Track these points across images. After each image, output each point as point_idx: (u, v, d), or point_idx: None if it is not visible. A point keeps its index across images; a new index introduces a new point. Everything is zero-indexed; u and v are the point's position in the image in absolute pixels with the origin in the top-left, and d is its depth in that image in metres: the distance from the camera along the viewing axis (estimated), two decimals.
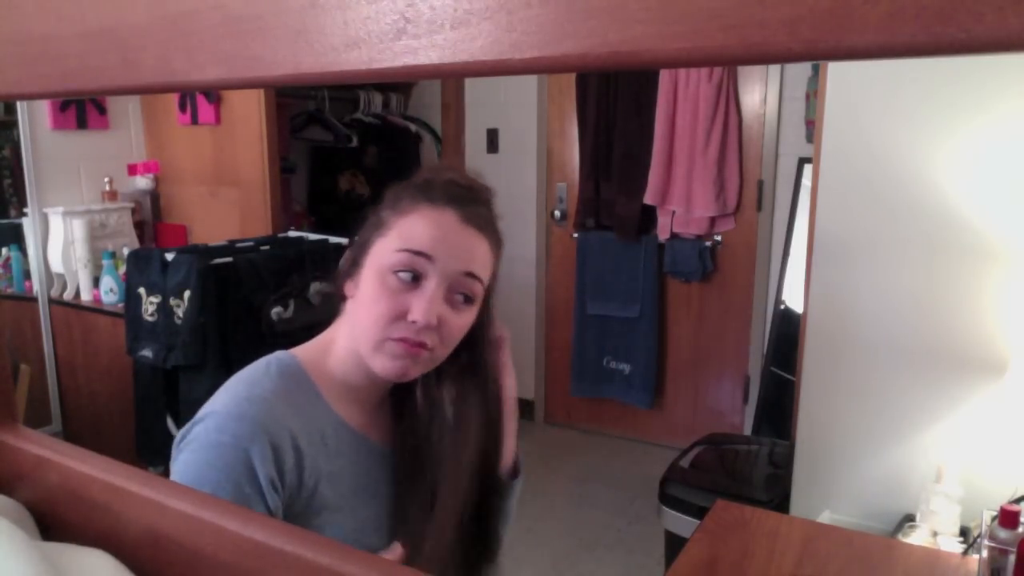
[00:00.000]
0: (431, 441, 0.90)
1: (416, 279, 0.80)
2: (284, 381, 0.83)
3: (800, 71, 2.99)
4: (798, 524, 1.44)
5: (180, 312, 2.20)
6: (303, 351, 0.89)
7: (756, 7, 0.22)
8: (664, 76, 3.16)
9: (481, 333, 0.88)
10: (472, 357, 0.89)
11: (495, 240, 0.86)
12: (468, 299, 0.83)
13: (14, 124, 2.72)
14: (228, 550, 0.48)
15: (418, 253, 0.80)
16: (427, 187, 0.84)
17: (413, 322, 0.79)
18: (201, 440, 0.77)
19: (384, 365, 0.81)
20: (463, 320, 0.83)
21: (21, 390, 2.45)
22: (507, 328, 0.93)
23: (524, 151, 3.62)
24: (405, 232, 0.81)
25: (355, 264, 0.86)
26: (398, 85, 3.69)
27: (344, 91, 3.49)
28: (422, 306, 0.79)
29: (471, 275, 0.82)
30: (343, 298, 0.88)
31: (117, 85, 0.39)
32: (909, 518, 1.55)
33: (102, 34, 0.38)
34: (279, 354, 0.88)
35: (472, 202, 0.84)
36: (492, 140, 3.67)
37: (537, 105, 3.56)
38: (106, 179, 2.93)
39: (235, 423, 0.78)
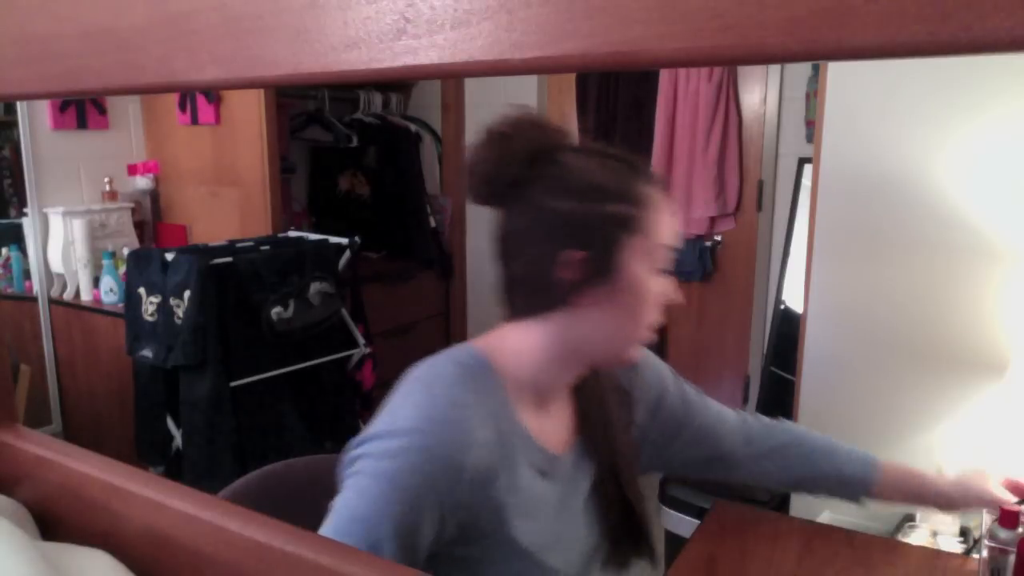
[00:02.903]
0: (610, 439, 0.87)
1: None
2: (479, 388, 0.77)
3: (800, 71, 2.99)
4: (798, 524, 1.44)
5: (180, 312, 2.20)
6: (489, 348, 0.81)
7: (755, 7, 0.22)
8: (664, 76, 3.16)
9: None
10: None
11: None
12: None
13: (14, 124, 2.72)
14: (228, 550, 0.48)
15: (675, 249, 0.81)
16: (635, 166, 0.80)
17: (668, 306, 0.80)
18: (375, 463, 0.71)
19: (634, 354, 0.82)
20: None
21: (21, 390, 2.45)
22: None
23: None
24: (665, 228, 0.80)
25: (600, 269, 0.76)
26: (398, 85, 3.69)
27: (344, 91, 3.48)
28: (679, 292, 0.81)
29: None
30: (563, 303, 0.78)
31: (117, 85, 0.39)
32: (909, 518, 1.55)
33: (102, 34, 0.38)
34: (468, 349, 0.81)
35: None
36: None
37: (537, 105, 3.56)
38: (106, 179, 2.93)
39: (434, 425, 0.72)
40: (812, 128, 2.69)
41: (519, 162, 0.77)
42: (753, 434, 1.03)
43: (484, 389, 0.77)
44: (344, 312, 2.51)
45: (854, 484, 1.03)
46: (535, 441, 0.80)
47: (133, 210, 3.00)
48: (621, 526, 0.86)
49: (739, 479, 1.06)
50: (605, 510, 0.86)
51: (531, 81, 3.52)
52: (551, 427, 0.84)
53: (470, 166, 0.79)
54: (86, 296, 2.77)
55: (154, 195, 3.06)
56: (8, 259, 2.87)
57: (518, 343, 0.81)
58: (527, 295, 0.80)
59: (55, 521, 0.57)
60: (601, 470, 0.86)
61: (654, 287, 0.79)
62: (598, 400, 0.87)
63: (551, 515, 0.81)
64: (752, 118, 3.15)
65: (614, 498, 0.85)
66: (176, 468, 2.33)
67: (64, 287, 2.81)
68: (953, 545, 1.42)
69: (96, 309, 2.71)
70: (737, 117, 3.13)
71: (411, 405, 0.74)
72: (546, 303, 0.79)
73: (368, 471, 0.71)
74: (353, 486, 0.71)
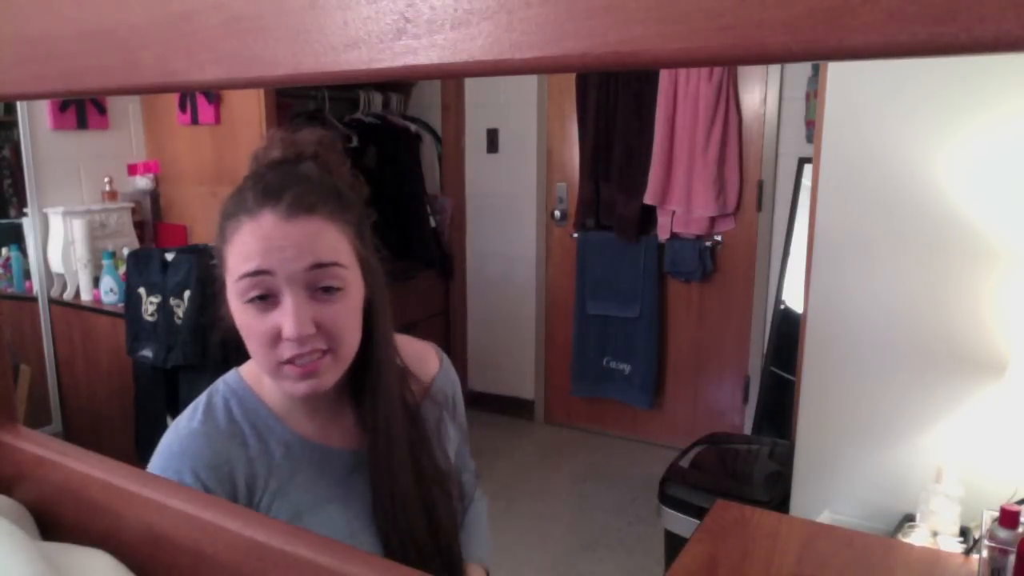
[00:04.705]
0: (387, 441, 0.86)
1: (268, 297, 0.75)
2: (227, 411, 0.83)
3: (800, 71, 2.99)
4: (798, 524, 1.44)
5: (180, 312, 2.20)
6: (249, 369, 0.88)
7: (755, 7, 0.22)
8: (664, 76, 3.16)
9: (371, 323, 0.83)
10: (364, 355, 0.84)
11: (338, 212, 0.78)
12: (335, 288, 0.77)
13: (14, 124, 2.72)
14: (228, 550, 0.48)
15: (254, 274, 0.74)
16: (240, 197, 0.78)
17: (289, 339, 0.75)
18: None
19: (292, 389, 0.78)
20: (343, 309, 0.78)
21: (21, 390, 2.45)
22: None
23: (524, 151, 3.62)
24: (235, 257, 0.76)
25: (224, 304, 0.82)
26: (398, 85, 3.69)
27: (344, 91, 3.49)
28: (289, 321, 0.74)
29: (321, 265, 0.75)
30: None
31: (117, 85, 0.39)
32: (909, 518, 1.55)
33: (102, 34, 0.38)
34: (227, 378, 0.88)
35: (287, 187, 0.76)
36: (492, 140, 3.67)
37: (537, 105, 3.56)
38: (106, 179, 2.93)
39: (168, 460, 0.78)
40: (812, 128, 2.69)
41: None
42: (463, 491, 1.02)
43: (239, 409, 0.84)
44: None
45: None
46: (310, 440, 0.85)
47: (133, 210, 3.00)
48: (404, 533, 0.85)
49: None
50: (382, 515, 0.85)
51: (531, 81, 3.53)
52: (336, 428, 0.87)
53: None
54: (86, 296, 2.77)
55: (154, 195, 3.06)
56: (8, 259, 2.87)
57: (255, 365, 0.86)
58: None
59: (55, 521, 0.57)
60: (378, 477, 0.85)
61: (245, 320, 0.77)
62: (377, 410, 0.86)
63: (337, 507, 0.84)
64: (752, 118, 3.15)
65: (394, 507, 0.85)
66: None
67: (64, 287, 2.81)
68: (953, 545, 1.42)
69: (96, 309, 2.71)
70: (737, 117, 3.13)
71: (161, 441, 0.82)
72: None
73: None
74: None
